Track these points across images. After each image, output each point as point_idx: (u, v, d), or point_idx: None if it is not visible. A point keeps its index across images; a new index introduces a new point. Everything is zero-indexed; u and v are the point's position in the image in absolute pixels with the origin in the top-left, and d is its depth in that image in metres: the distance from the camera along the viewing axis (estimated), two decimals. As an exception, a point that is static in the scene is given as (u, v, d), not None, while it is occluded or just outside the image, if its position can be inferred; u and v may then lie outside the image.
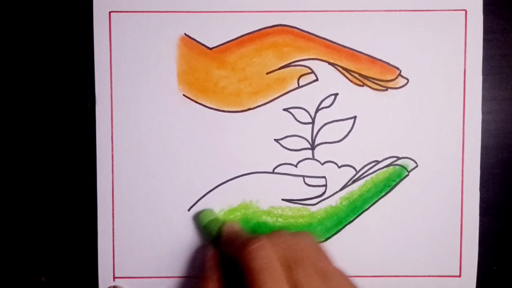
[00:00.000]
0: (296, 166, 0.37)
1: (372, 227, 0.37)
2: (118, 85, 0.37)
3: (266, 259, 0.28)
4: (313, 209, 0.37)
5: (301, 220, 0.37)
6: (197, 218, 0.37)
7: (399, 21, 0.37)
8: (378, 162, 0.37)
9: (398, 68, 0.37)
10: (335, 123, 0.37)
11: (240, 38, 0.37)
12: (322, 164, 0.37)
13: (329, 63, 0.37)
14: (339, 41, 0.37)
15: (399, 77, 0.37)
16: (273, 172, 0.37)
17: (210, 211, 0.37)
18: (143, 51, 0.37)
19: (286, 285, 0.27)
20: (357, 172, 0.37)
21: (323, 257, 0.30)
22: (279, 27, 0.37)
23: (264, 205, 0.37)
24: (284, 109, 0.37)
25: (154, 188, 0.37)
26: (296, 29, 0.37)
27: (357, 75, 0.37)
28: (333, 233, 0.37)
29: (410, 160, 0.37)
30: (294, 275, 0.28)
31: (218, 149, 0.37)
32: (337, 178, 0.37)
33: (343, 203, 0.37)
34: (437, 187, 0.37)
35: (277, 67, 0.37)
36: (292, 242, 0.30)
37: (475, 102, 0.37)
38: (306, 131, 0.37)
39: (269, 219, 0.37)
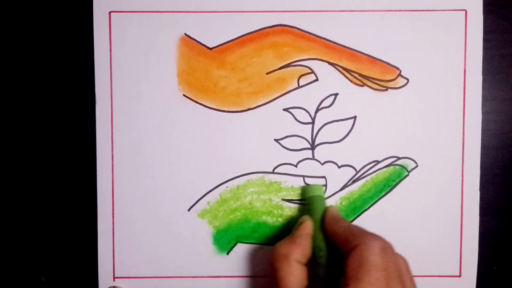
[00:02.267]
0: (296, 166, 0.37)
1: (372, 227, 0.37)
2: (118, 85, 0.37)
3: (386, 260, 0.29)
4: (313, 209, 0.37)
5: (301, 220, 0.37)
6: (304, 188, 0.37)
7: (399, 21, 0.37)
8: (378, 162, 0.37)
9: (398, 68, 0.37)
10: (335, 123, 0.37)
11: (240, 38, 0.37)
12: (322, 164, 0.37)
13: (329, 63, 0.37)
14: (339, 41, 0.37)
15: (399, 77, 0.37)
16: (273, 172, 0.37)
17: (320, 188, 0.36)
18: (143, 51, 0.37)
19: None
20: (357, 172, 0.37)
21: (413, 283, 0.31)
22: (279, 27, 0.37)
23: (264, 205, 0.37)
24: (284, 109, 0.37)
25: (154, 188, 0.37)
26: (296, 29, 0.37)
27: (357, 75, 0.37)
28: (333, 233, 0.37)
29: (410, 160, 0.37)
30: (391, 286, 0.28)
31: (218, 149, 0.37)
32: (337, 178, 0.37)
33: (343, 203, 0.37)
34: (437, 187, 0.37)
35: (277, 67, 0.37)
36: (397, 258, 0.31)
37: (475, 102, 0.37)
38: (306, 131, 0.37)
39: (269, 219, 0.37)
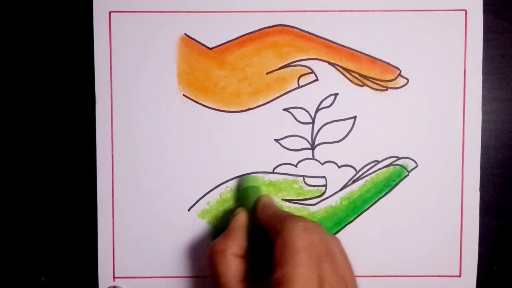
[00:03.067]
0: (296, 166, 0.37)
1: (372, 227, 0.37)
2: (118, 85, 0.37)
3: (309, 240, 0.28)
4: (313, 209, 0.37)
5: (301, 220, 0.37)
6: (240, 179, 0.37)
7: (399, 21, 0.37)
8: (378, 162, 0.37)
9: (398, 68, 0.37)
10: (335, 123, 0.37)
11: (240, 38, 0.37)
12: (322, 164, 0.37)
13: (329, 63, 0.37)
14: (339, 41, 0.37)
15: (399, 77, 0.37)
16: (273, 172, 0.37)
17: (256, 178, 0.37)
18: (143, 51, 0.37)
19: (316, 274, 0.27)
20: (357, 172, 0.37)
21: (348, 263, 0.31)
22: (279, 27, 0.37)
23: (264, 205, 0.37)
24: (284, 109, 0.37)
25: (154, 188, 0.37)
26: (296, 29, 0.37)
27: (357, 75, 0.37)
28: (333, 233, 0.37)
29: (410, 160, 0.37)
30: (323, 268, 0.28)
31: (218, 149, 0.37)
32: (337, 178, 0.37)
33: (343, 203, 0.37)
34: (437, 187, 0.37)
35: (277, 67, 0.37)
36: (326, 238, 0.30)
37: (475, 102, 0.37)
38: (306, 131, 0.37)
39: (269, 219, 0.37)
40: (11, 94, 0.38)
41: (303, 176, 0.37)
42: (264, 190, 0.37)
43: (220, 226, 0.37)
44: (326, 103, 0.37)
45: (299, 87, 0.37)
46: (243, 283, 0.30)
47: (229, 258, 0.31)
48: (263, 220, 0.33)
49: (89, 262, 0.37)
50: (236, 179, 0.37)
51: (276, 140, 0.37)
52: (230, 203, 0.37)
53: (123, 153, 0.37)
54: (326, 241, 0.30)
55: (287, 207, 0.37)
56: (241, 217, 0.34)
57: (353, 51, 0.37)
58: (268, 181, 0.37)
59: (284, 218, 0.30)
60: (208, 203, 0.37)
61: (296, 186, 0.37)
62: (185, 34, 0.37)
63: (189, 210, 0.37)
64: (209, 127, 0.37)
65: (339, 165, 0.37)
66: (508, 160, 0.38)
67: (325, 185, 0.37)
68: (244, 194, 0.36)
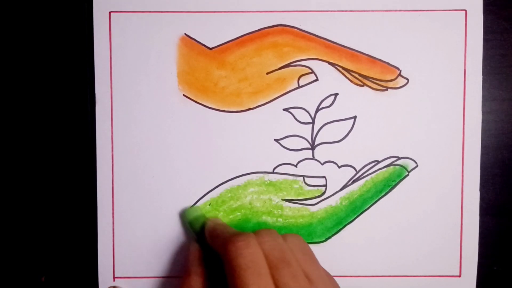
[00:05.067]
0: (296, 166, 0.37)
1: (372, 227, 0.37)
2: (118, 85, 0.37)
3: (251, 256, 0.28)
4: (313, 209, 0.37)
5: (301, 220, 0.37)
6: (182, 214, 0.37)
7: (399, 21, 0.37)
8: (378, 162, 0.37)
9: (398, 68, 0.37)
10: (335, 123, 0.37)
11: (240, 38, 0.37)
12: (322, 164, 0.37)
13: (329, 63, 0.37)
14: (339, 41, 0.37)
15: (399, 77, 0.37)
16: (273, 172, 0.37)
17: (195, 208, 0.37)
18: (143, 51, 0.37)
19: (271, 284, 0.27)
20: (357, 172, 0.37)
21: (311, 259, 0.30)
22: (279, 27, 0.37)
23: (264, 205, 0.37)
24: (284, 109, 0.37)
25: (154, 188, 0.37)
26: (296, 29, 0.37)
27: (357, 75, 0.37)
28: (333, 233, 0.37)
29: (410, 160, 0.37)
30: (280, 275, 0.27)
31: (218, 149, 0.37)
32: (337, 178, 0.37)
33: (343, 203, 0.37)
34: (437, 187, 0.37)
35: (277, 67, 0.37)
36: (279, 241, 0.29)
37: (475, 102, 0.37)
38: (306, 131, 0.37)
39: (269, 219, 0.37)
40: (11, 94, 0.38)
41: (303, 176, 0.37)
42: (206, 213, 0.37)
43: (220, 226, 0.37)
44: (326, 103, 0.37)
45: (299, 87, 0.37)
46: None
47: None
48: (213, 246, 0.32)
49: (89, 262, 0.37)
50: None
51: (276, 140, 0.37)
52: (230, 203, 0.37)
53: (123, 153, 0.37)
54: (279, 246, 0.29)
55: (287, 207, 0.37)
56: (195, 250, 0.34)
57: (353, 51, 0.37)
58: (268, 181, 0.37)
59: (226, 240, 0.30)
60: (208, 203, 0.37)
61: (296, 186, 0.37)
62: (185, 34, 0.37)
63: (189, 210, 0.37)
64: (209, 127, 0.37)
65: (339, 165, 0.37)
66: (508, 160, 0.38)
67: (325, 185, 0.37)
68: (191, 227, 0.36)
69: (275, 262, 0.28)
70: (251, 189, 0.37)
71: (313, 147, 0.37)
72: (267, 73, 0.37)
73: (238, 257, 0.28)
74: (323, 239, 0.37)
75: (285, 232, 0.37)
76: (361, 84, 0.37)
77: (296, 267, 0.28)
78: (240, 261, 0.28)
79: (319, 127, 0.37)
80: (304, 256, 0.30)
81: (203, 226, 0.35)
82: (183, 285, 0.32)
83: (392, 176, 0.37)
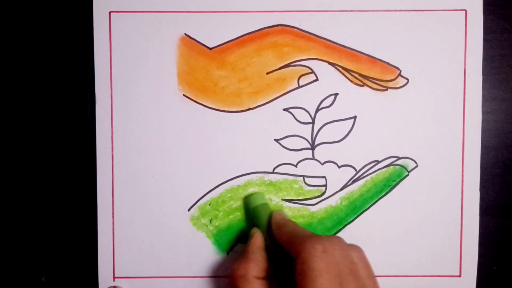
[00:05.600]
0: (296, 166, 0.37)
1: (372, 227, 0.37)
2: (118, 85, 0.37)
3: (327, 262, 0.28)
4: (313, 209, 0.37)
5: (301, 220, 0.37)
6: (246, 199, 0.37)
7: (399, 21, 0.37)
8: (378, 162, 0.37)
9: (398, 68, 0.37)
10: (335, 123, 0.37)
11: (240, 38, 0.37)
12: (322, 164, 0.37)
13: (329, 63, 0.37)
14: (339, 41, 0.37)
15: (399, 77, 0.37)
16: (273, 172, 0.37)
17: (261, 194, 0.37)
18: (143, 51, 0.37)
19: None
20: (357, 172, 0.37)
21: (372, 275, 0.30)
22: (279, 27, 0.37)
23: (264, 205, 0.37)
24: (284, 109, 0.37)
25: (154, 188, 0.37)
26: (296, 29, 0.37)
27: (357, 75, 0.37)
28: (333, 233, 0.37)
29: (410, 160, 0.37)
30: (345, 286, 0.28)
31: (218, 149, 0.37)
32: (337, 178, 0.37)
33: (343, 203, 0.37)
34: (437, 187, 0.37)
35: (277, 67, 0.37)
36: (348, 252, 0.30)
37: (475, 102, 0.37)
38: (306, 131, 0.37)
39: (269, 219, 0.37)
40: (11, 94, 0.38)
41: (303, 176, 0.37)
42: (271, 206, 0.37)
43: (220, 226, 0.37)
44: (326, 103, 0.37)
45: (299, 87, 0.37)
46: None
47: (252, 281, 0.31)
48: (281, 239, 0.33)
49: (89, 262, 0.37)
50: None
51: (276, 140, 0.37)
52: (230, 203, 0.37)
53: (123, 153, 0.37)
54: (348, 257, 0.30)
55: (287, 207, 0.37)
56: (258, 238, 0.34)
57: (353, 51, 0.37)
58: (268, 181, 0.37)
59: (302, 239, 0.30)
60: (208, 203, 0.37)
61: (296, 186, 0.37)
62: (185, 34, 0.37)
63: (189, 210, 0.37)
64: (209, 127, 0.37)
65: (339, 165, 0.37)
66: (508, 160, 0.38)
67: (325, 185, 0.37)
68: (255, 214, 0.36)
69: (345, 273, 0.29)
70: (251, 189, 0.37)
71: (313, 147, 0.37)
72: (267, 73, 0.37)
73: (314, 260, 0.28)
74: (323, 239, 0.37)
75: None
76: (361, 84, 0.37)
77: (362, 282, 0.29)
78: (316, 264, 0.28)
79: (319, 127, 0.37)
80: (366, 271, 0.30)
81: (268, 216, 0.35)
82: (238, 270, 0.32)
83: (392, 176, 0.37)
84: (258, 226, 0.35)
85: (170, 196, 0.37)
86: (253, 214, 0.36)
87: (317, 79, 0.37)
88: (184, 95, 0.37)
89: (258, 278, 0.31)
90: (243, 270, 0.32)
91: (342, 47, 0.37)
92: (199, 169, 0.37)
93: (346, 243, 0.31)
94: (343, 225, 0.37)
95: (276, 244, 0.33)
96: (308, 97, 0.37)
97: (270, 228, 0.34)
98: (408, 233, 0.37)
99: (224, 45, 0.37)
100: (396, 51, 0.37)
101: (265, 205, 0.36)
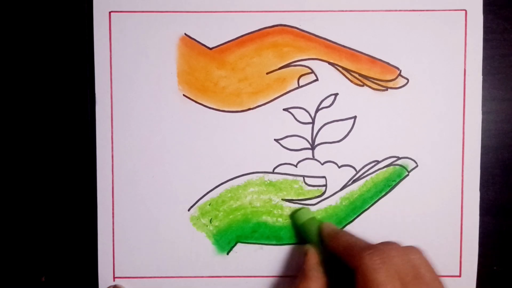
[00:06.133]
0: (296, 166, 0.37)
1: (372, 227, 0.37)
2: (118, 85, 0.37)
3: (388, 273, 0.28)
4: (313, 209, 0.37)
5: (301, 220, 0.37)
6: (293, 216, 0.37)
7: (399, 21, 0.37)
8: (378, 162, 0.37)
9: (398, 68, 0.37)
10: (335, 123, 0.37)
11: (240, 38, 0.37)
12: (322, 164, 0.37)
13: (329, 63, 0.37)
14: (339, 41, 0.37)
15: (399, 77, 0.37)
16: (273, 172, 0.37)
17: (307, 209, 0.37)
18: (143, 51, 0.37)
19: None
20: (357, 172, 0.37)
21: (435, 276, 0.30)
22: (279, 27, 0.37)
23: (264, 205, 0.37)
24: (284, 109, 0.37)
25: (154, 188, 0.37)
26: (296, 29, 0.37)
27: (357, 75, 0.37)
28: (333, 233, 0.37)
29: (410, 160, 0.37)
30: None
31: (218, 149, 0.37)
32: (337, 178, 0.37)
33: (343, 203, 0.37)
34: (437, 187, 0.37)
35: (277, 67, 0.37)
36: (408, 257, 0.30)
37: (475, 102, 0.37)
38: (306, 131, 0.37)
39: (269, 219, 0.37)
40: (11, 94, 0.38)
41: (303, 176, 0.37)
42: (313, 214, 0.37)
43: (220, 226, 0.37)
44: (326, 103, 0.37)
45: (299, 87, 0.37)
46: None
47: None
48: (336, 251, 0.32)
49: (89, 262, 0.37)
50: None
51: (276, 140, 0.37)
52: (230, 203, 0.37)
53: (123, 153, 0.37)
54: (408, 262, 0.29)
55: (287, 207, 0.37)
56: (313, 254, 0.34)
57: (353, 51, 0.37)
58: (268, 181, 0.37)
59: (358, 252, 0.30)
60: (208, 203, 0.37)
61: (296, 186, 0.37)
62: (185, 34, 0.37)
63: (189, 210, 0.37)
64: (209, 127, 0.37)
65: (339, 165, 0.37)
66: (508, 160, 0.38)
67: (325, 185, 0.37)
68: (304, 230, 0.36)
69: (408, 280, 0.28)
70: (251, 189, 0.37)
71: (313, 147, 0.37)
72: (267, 73, 0.37)
73: (375, 272, 0.28)
74: (323, 239, 0.37)
75: (285, 232, 0.37)
76: (361, 84, 0.37)
77: (426, 285, 0.28)
78: (377, 277, 0.28)
79: (319, 127, 0.37)
80: (430, 274, 0.30)
81: (315, 228, 0.35)
82: None
83: (392, 176, 0.37)
84: (309, 242, 0.35)
85: (170, 196, 0.37)
86: (302, 230, 0.36)
87: (317, 79, 0.37)
88: (184, 95, 0.37)
89: None
90: None
91: (342, 47, 0.37)
92: (199, 169, 0.37)
93: (403, 248, 0.30)
94: (343, 225, 0.37)
95: (331, 256, 0.33)
96: (308, 97, 0.37)
97: (322, 241, 0.34)
98: (408, 233, 0.37)
99: (224, 45, 0.37)
100: (396, 51, 0.37)
101: (313, 219, 0.36)
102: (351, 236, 0.33)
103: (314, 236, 0.35)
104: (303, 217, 0.36)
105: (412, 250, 0.30)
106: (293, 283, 0.33)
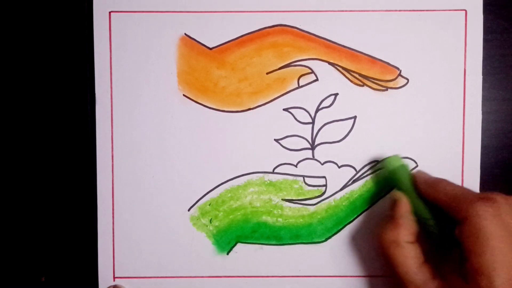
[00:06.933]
0: (296, 166, 0.37)
1: (372, 227, 0.37)
2: (118, 85, 0.37)
3: (502, 224, 0.28)
4: (313, 209, 0.37)
5: (301, 220, 0.37)
6: (384, 162, 0.36)
7: (399, 21, 0.37)
8: (378, 162, 0.37)
9: (398, 68, 0.37)
10: (335, 123, 0.37)
11: (240, 38, 0.37)
12: (322, 164, 0.37)
13: (329, 63, 0.37)
14: (339, 41, 0.37)
15: (399, 77, 0.37)
16: (273, 172, 0.37)
17: (397, 156, 0.36)
18: (143, 51, 0.37)
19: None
20: (357, 172, 0.37)
21: None
22: (279, 27, 0.37)
23: (264, 205, 0.37)
24: (284, 109, 0.37)
25: (154, 188, 0.37)
26: (296, 29, 0.37)
27: (357, 75, 0.37)
28: (333, 233, 0.37)
29: (410, 160, 0.37)
30: None
31: (218, 149, 0.37)
32: (337, 178, 0.37)
33: (343, 203, 0.37)
34: (437, 187, 0.37)
35: (277, 67, 0.37)
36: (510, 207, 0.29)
37: (475, 102, 0.37)
38: (306, 131, 0.37)
39: (269, 219, 0.37)
40: (11, 94, 0.38)
41: (303, 176, 0.37)
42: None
43: (220, 226, 0.37)
44: (326, 103, 0.37)
45: (299, 87, 0.37)
46: (423, 266, 0.31)
47: (405, 246, 0.31)
48: (437, 200, 0.32)
49: (89, 262, 0.37)
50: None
51: (276, 140, 0.37)
52: (230, 203, 0.37)
53: (123, 153, 0.37)
54: None
55: (287, 207, 0.37)
56: (404, 202, 0.33)
57: (353, 51, 0.37)
58: (268, 181, 0.37)
59: (469, 201, 0.29)
60: (208, 203, 0.37)
61: (296, 186, 0.37)
62: (185, 34, 0.37)
63: (189, 210, 0.37)
64: (209, 127, 0.37)
65: (339, 165, 0.37)
66: (508, 160, 0.38)
67: (325, 185, 0.37)
68: (395, 177, 0.35)
69: (510, 230, 0.28)
70: (251, 189, 0.37)
71: (313, 147, 0.37)
72: (267, 73, 0.37)
73: (487, 225, 0.28)
74: (323, 239, 0.37)
75: (285, 232, 0.37)
76: (361, 84, 0.37)
77: None
78: (491, 229, 0.28)
79: (319, 127, 0.37)
80: None
81: (407, 176, 0.34)
82: (388, 235, 0.32)
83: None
84: (399, 189, 0.35)
85: (170, 196, 0.37)
86: (392, 177, 0.35)
87: (317, 79, 0.37)
88: (184, 95, 0.37)
89: (409, 242, 0.31)
90: (394, 236, 0.32)
91: (342, 47, 0.37)
92: (199, 169, 0.37)
93: (509, 197, 0.30)
94: (343, 225, 0.37)
95: (426, 204, 0.33)
96: (308, 97, 0.37)
97: (414, 189, 0.34)
98: (408, 233, 0.37)
99: (224, 45, 0.37)
100: (396, 51, 0.37)
101: (404, 166, 0.35)
102: (453, 185, 0.33)
103: (406, 183, 0.34)
104: (394, 163, 0.35)
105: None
106: (383, 231, 0.32)
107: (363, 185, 0.37)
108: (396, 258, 0.31)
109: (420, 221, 0.33)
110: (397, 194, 0.34)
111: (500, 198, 0.29)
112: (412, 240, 0.32)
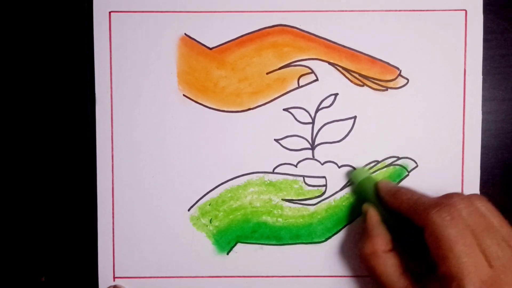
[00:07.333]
0: (296, 166, 0.37)
1: (372, 227, 0.37)
2: (118, 85, 0.37)
3: (459, 227, 0.28)
4: (313, 209, 0.37)
5: (301, 220, 0.37)
6: (350, 175, 0.37)
7: (399, 21, 0.37)
8: (378, 162, 0.37)
9: (398, 68, 0.37)
10: (335, 123, 0.37)
11: (240, 38, 0.37)
12: (322, 164, 0.37)
13: (329, 63, 0.37)
14: (339, 41, 0.37)
15: (399, 77, 0.37)
16: (273, 172, 0.37)
17: (362, 169, 0.37)
18: (143, 51, 0.37)
19: (480, 255, 0.27)
20: (357, 172, 0.37)
21: (503, 222, 0.29)
22: (279, 27, 0.37)
23: (264, 205, 0.37)
24: (284, 109, 0.37)
25: (154, 188, 0.37)
26: (296, 29, 0.37)
27: (357, 75, 0.37)
28: (333, 233, 0.37)
29: (410, 160, 0.37)
30: (487, 244, 0.27)
31: (218, 149, 0.37)
32: (337, 178, 0.37)
33: (343, 203, 0.37)
34: (437, 187, 0.37)
35: (277, 67, 0.37)
36: (473, 207, 0.29)
37: (475, 102, 0.37)
38: (306, 131, 0.37)
39: (269, 219, 0.37)
40: (11, 94, 0.38)
41: (303, 176, 0.37)
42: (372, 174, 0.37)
43: (220, 226, 0.37)
44: (326, 103, 0.37)
45: (299, 87, 0.37)
46: (405, 274, 0.31)
47: (383, 256, 0.31)
48: (400, 208, 0.32)
49: (89, 262, 0.37)
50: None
51: (276, 140, 0.37)
52: (230, 203, 0.37)
53: (123, 153, 0.37)
54: (476, 212, 0.29)
55: (287, 207, 0.37)
56: (373, 213, 0.34)
57: (353, 51, 0.37)
58: (268, 181, 0.37)
59: (425, 208, 0.30)
60: (208, 203, 0.37)
61: (296, 186, 0.37)
62: (185, 34, 0.37)
63: (189, 210, 0.37)
64: (209, 127, 0.37)
65: (339, 165, 0.37)
66: (508, 160, 0.38)
67: (325, 185, 0.37)
68: (361, 189, 0.36)
69: (478, 230, 0.28)
70: (251, 189, 0.37)
71: (313, 147, 0.37)
72: (267, 73, 0.37)
73: (446, 229, 0.28)
74: (323, 239, 0.37)
75: (285, 232, 0.37)
76: (361, 84, 0.37)
77: (496, 232, 0.28)
78: (448, 233, 0.28)
79: (319, 127, 0.37)
80: (497, 220, 0.29)
81: (374, 187, 0.35)
82: (366, 249, 0.32)
83: (392, 176, 0.37)
84: (367, 201, 0.35)
85: (170, 196, 0.37)
86: (360, 189, 0.36)
87: (317, 79, 0.37)
88: (184, 95, 0.37)
89: (387, 252, 0.32)
90: (371, 247, 0.32)
91: (342, 47, 0.37)
92: (199, 169, 0.37)
93: (467, 197, 0.30)
94: (343, 225, 0.37)
95: (391, 213, 0.33)
96: (308, 97, 0.37)
97: (381, 199, 0.34)
98: (408, 233, 0.37)
99: (224, 45, 0.37)
100: (396, 51, 0.37)
101: (369, 178, 0.36)
102: (412, 192, 0.33)
103: (371, 195, 0.35)
104: (359, 176, 0.36)
105: (475, 198, 0.30)
106: (360, 245, 0.33)
107: (363, 185, 0.37)
108: (377, 268, 0.31)
109: (391, 229, 0.33)
110: (365, 206, 0.35)
111: (458, 200, 0.29)
112: (389, 248, 0.32)
